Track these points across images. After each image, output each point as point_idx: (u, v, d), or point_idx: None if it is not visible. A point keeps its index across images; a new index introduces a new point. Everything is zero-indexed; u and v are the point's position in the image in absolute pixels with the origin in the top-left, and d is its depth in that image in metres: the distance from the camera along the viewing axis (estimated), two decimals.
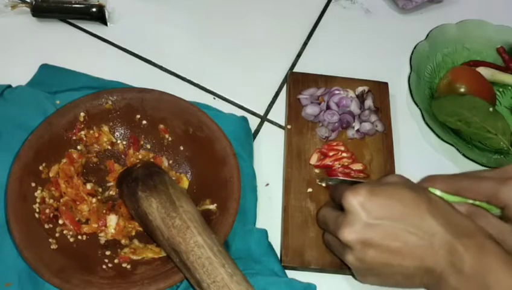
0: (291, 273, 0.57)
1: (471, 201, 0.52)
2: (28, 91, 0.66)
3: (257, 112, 0.70)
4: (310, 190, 0.62)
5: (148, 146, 0.64)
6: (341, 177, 0.62)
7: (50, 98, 0.65)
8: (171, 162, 0.63)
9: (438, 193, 0.53)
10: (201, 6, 0.80)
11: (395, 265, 0.48)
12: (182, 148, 0.63)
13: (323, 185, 0.62)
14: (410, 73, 0.71)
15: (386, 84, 0.72)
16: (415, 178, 0.65)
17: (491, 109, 0.67)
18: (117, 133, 0.63)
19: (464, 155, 0.65)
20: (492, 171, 0.53)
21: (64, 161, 0.60)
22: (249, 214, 0.60)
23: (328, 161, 0.64)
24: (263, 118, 0.70)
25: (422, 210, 0.47)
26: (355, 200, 0.48)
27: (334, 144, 0.66)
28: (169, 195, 0.53)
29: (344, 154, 0.64)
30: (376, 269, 0.49)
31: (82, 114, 0.61)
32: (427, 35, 0.75)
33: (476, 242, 0.46)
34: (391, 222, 0.47)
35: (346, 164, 0.64)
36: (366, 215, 0.47)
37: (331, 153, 0.64)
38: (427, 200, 0.48)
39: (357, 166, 0.64)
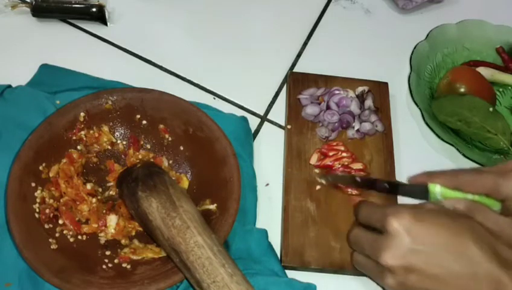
0: (291, 273, 0.57)
1: (471, 196, 0.52)
2: (28, 91, 0.66)
3: (257, 112, 0.70)
4: (318, 187, 0.62)
5: (148, 146, 0.64)
6: (340, 173, 0.61)
7: (50, 98, 0.65)
8: (171, 162, 0.63)
9: (438, 188, 0.52)
10: (201, 6, 0.80)
11: None
12: (182, 148, 0.63)
13: (324, 182, 0.62)
14: (410, 73, 0.71)
15: (386, 84, 0.72)
16: None
17: (491, 109, 0.67)
18: (117, 133, 0.63)
19: (463, 155, 0.65)
20: (492, 167, 0.53)
21: (64, 161, 0.60)
22: (249, 214, 0.60)
23: (328, 161, 0.64)
24: (263, 118, 0.70)
25: (466, 238, 0.46)
26: (398, 223, 0.47)
27: (334, 144, 0.66)
28: (169, 195, 0.53)
29: (344, 154, 0.64)
30: None
31: (82, 114, 0.61)
32: (427, 35, 0.75)
33: None
34: (435, 249, 0.46)
35: (346, 163, 0.64)
36: (410, 241, 0.46)
37: (331, 153, 0.64)
38: (471, 229, 0.47)
39: (357, 165, 0.64)
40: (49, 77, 0.68)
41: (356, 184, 0.60)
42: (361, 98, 0.69)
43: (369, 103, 0.69)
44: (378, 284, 0.53)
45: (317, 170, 0.64)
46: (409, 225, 0.47)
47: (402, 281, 0.48)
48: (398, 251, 0.47)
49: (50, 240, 0.55)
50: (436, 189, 0.52)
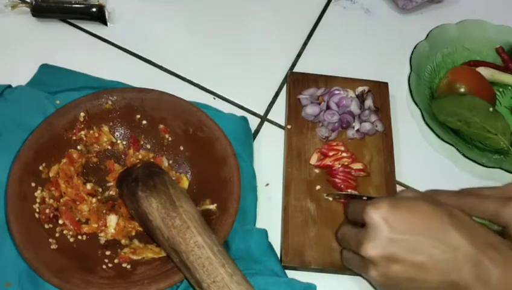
0: (291, 273, 0.57)
1: (474, 218, 0.52)
2: (28, 91, 0.66)
3: (257, 112, 0.70)
4: (318, 187, 0.62)
5: (148, 146, 0.64)
6: (349, 192, 0.61)
7: (50, 98, 0.65)
8: (171, 162, 0.63)
9: None
10: (201, 6, 0.80)
11: (419, 280, 0.47)
12: (182, 148, 0.63)
13: (330, 199, 0.62)
14: (410, 73, 0.71)
15: (386, 84, 0.72)
16: (415, 178, 0.65)
17: (491, 109, 0.67)
18: (117, 133, 0.63)
19: (463, 155, 0.65)
20: (494, 190, 0.53)
21: (64, 161, 0.60)
22: (249, 214, 0.60)
23: (328, 161, 0.64)
24: (263, 118, 0.70)
25: (444, 223, 0.46)
26: (377, 214, 0.47)
27: (334, 144, 0.66)
28: (169, 195, 0.53)
29: (344, 154, 0.64)
30: (400, 284, 0.48)
31: (82, 114, 0.61)
32: (427, 35, 0.75)
33: (501, 254, 0.45)
34: (414, 236, 0.47)
35: (346, 163, 0.64)
36: (389, 230, 0.47)
37: (331, 153, 0.64)
38: (448, 213, 0.47)
39: (357, 165, 0.64)
40: (49, 77, 0.69)
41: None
42: (361, 98, 0.69)
43: (369, 103, 0.69)
44: (364, 278, 0.53)
45: (317, 170, 0.64)
46: (387, 215, 0.47)
47: (384, 272, 0.48)
48: (378, 241, 0.47)
49: (50, 240, 0.55)
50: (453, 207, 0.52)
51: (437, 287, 0.47)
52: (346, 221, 0.56)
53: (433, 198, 0.51)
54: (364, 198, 0.57)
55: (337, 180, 0.63)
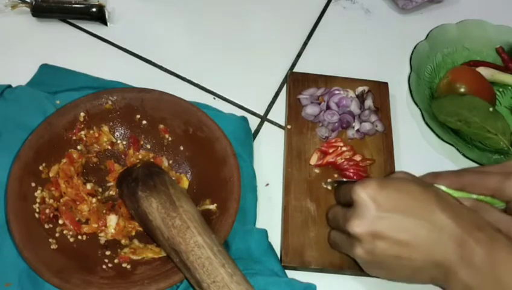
0: (291, 273, 0.57)
1: (475, 196, 0.52)
2: (28, 91, 0.66)
3: (257, 112, 0.70)
4: (329, 179, 0.63)
5: (148, 146, 0.64)
6: (346, 179, 0.62)
7: (50, 98, 0.65)
8: (171, 162, 0.63)
9: (443, 189, 0.53)
10: (201, 6, 0.80)
11: (404, 258, 0.48)
12: (182, 148, 0.63)
13: (329, 188, 0.62)
14: (410, 73, 0.71)
15: (386, 84, 0.72)
16: None
17: (491, 109, 0.67)
18: (117, 133, 0.63)
19: (464, 155, 0.65)
20: (495, 166, 0.53)
21: (64, 161, 0.60)
22: (249, 214, 0.60)
23: (329, 158, 0.64)
24: (263, 118, 0.70)
25: (431, 204, 0.47)
26: (364, 192, 0.48)
27: (333, 140, 0.66)
28: (169, 195, 0.53)
29: (344, 148, 0.64)
30: (385, 261, 0.49)
31: (82, 114, 0.61)
32: (427, 35, 0.75)
33: (486, 235, 0.46)
34: (400, 215, 0.47)
35: (348, 157, 0.64)
36: (375, 208, 0.47)
37: (331, 150, 0.64)
38: (435, 194, 0.48)
39: (359, 157, 0.64)
40: (49, 77, 0.69)
41: None
42: (361, 98, 0.69)
43: (369, 103, 0.69)
44: (349, 256, 0.53)
45: (317, 170, 0.64)
46: (374, 193, 0.48)
47: (370, 249, 0.48)
48: (364, 218, 0.48)
49: (50, 240, 0.55)
50: (442, 190, 0.52)
51: (421, 266, 0.48)
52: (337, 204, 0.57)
53: (423, 181, 0.52)
54: None
55: (348, 173, 0.63)
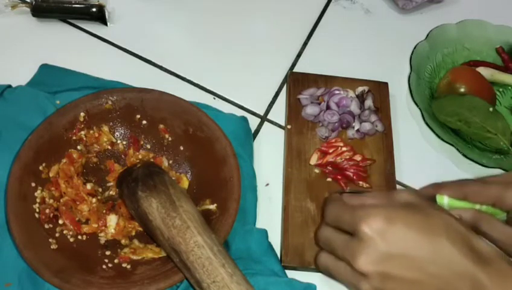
0: (291, 273, 0.57)
1: (478, 206, 0.52)
2: (28, 91, 0.66)
3: (257, 112, 0.70)
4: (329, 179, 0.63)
5: (148, 146, 0.64)
6: (349, 189, 0.61)
7: (50, 98, 0.65)
8: (171, 162, 0.63)
9: (445, 199, 0.52)
10: (201, 7, 0.80)
11: None
12: (182, 148, 0.63)
13: None
14: (410, 73, 0.71)
15: (386, 84, 0.72)
16: (415, 178, 0.65)
17: (491, 109, 0.67)
18: (117, 133, 0.63)
19: (463, 155, 0.65)
20: (497, 176, 0.53)
21: (64, 161, 0.60)
22: (249, 214, 0.60)
23: (329, 158, 0.64)
24: (263, 118, 0.70)
25: (441, 237, 0.45)
26: (371, 229, 0.45)
27: (333, 140, 0.66)
28: (169, 195, 0.53)
29: (344, 149, 0.65)
30: None
31: (82, 114, 0.61)
32: (427, 35, 0.75)
33: (497, 269, 0.45)
34: (411, 252, 0.45)
35: (348, 157, 0.64)
36: (384, 245, 0.45)
37: (331, 150, 0.65)
38: (445, 226, 0.46)
39: (359, 157, 0.65)
40: (49, 77, 0.69)
41: None
42: (361, 98, 0.69)
43: (369, 103, 0.69)
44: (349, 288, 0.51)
45: (317, 170, 0.64)
46: (382, 229, 0.45)
47: (378, 288, 0.46)
48: (373, 256, 0.45)
49: (50, 240, 0.55)
50: (444, 200, 0.52)
51: None
52: (325, 223, 0.52)
53: (428, 203, 0.50)
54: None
55: (347, 173, 0.63)
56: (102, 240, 0.57)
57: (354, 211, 0.47)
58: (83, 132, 0.61)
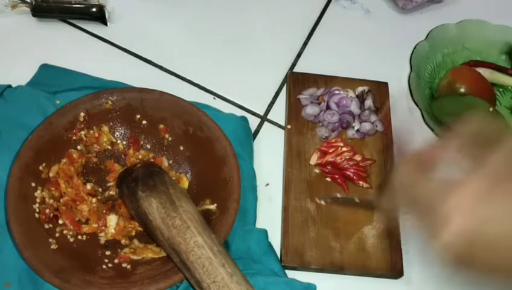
0: (291, 273, 0.57)
1: None
2: (28, 91, 0.66)
3: (257, 112, 0.70)
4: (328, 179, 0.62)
5: (148, 146, 0.64)
6: (339, 195, 0.61)
7: (50, 98, 0.65)
8: (171, 162, 0.63)
9: None
10: (201, 6, 0.80)
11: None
12: (182, 148, 0.63)
13: (323, 203, 0.62)
14: (410, 73, 0.71)
15: (386, 84, 0.72)
16: None
17: (491, 109, 0.67)
18: (117, 133, 0.63)
19: None
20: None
21: (64, 161, 0.60)
22: (249, 214, 0.60)
23: (329, 158, 0.64)
24: (263, 118, 0.70)
25: None
26: (460, 210, 0.38)
27: (333, 140, 0.66)
28: (169, 195, 0.53)
29: (344, 149, 0.65)
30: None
31: (82, 114, 0.61)
32: (427, 35, 0.75)
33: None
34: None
35: (348, 157, 0.64)
36: (475, 221, 0.37)
37: (331, 150, 0.65)
38: None
39: (359, 157, 0.65)
40: (49, 77, 0.69)
41: (355, 205, 0.60)
42: (361, 98, 0.69)
43: (369, 103, 0.69)
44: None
45: (317, 170, 0.64)
46: (473, 207, 0.38)
47: (463, 249, 0.38)
48: (461, 227, 0.38)
49: (50, 240, 0.55)
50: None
51: None
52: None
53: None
54: (357, 201, 0.58)
55: (348, 173, 0.63)
56: (102, 240, 0.57)
57: (440, 187, 0.40)
58: (83, 132, 0.61)
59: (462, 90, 0.69)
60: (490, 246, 0.38)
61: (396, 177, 0.44)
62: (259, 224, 0.61)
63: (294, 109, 0.68)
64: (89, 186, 0.60)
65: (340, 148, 0.65)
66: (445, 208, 0.38)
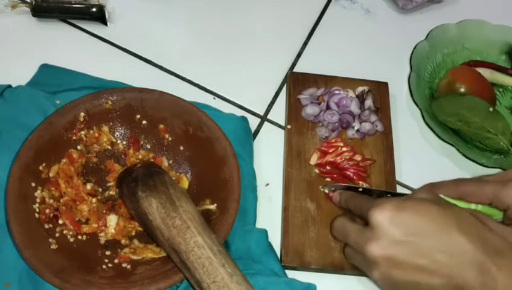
0: (291, 273, 0.57)
1: (474, 206, 0.52)
2: (28, 91, 0.66)
3: (257, 112, 0.70)
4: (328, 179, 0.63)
5: (148, 146, 0.64)
6: (343, 184, 0.61)
7: (50, 98, 0.65)
8: (171, 162, 0.63)
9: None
10: (201, 7, 0.80)
11: (422, 283, 0.46)
12: (182, 148, 0.63)
13: (326, 191, 0.62)
14: (410, 73, 0.71)
15: (386, 84, 0.72)
16: (415, 178, 0.65)
17: (491, 109, 0.67)
18: (117, 133, 0.63)
19: (463, 155, 0.65)
20: (494, 175, 0.53)
21: (64, 161, 0.60)
22: (249, 214, 0.60)
23: (329, 158, 0.64)
24: (263, 118, 0.70)
25: (451, 227, 0.46)
26: (382, 216, 0.47)
27: (333, 140, 0.66)
28: (169, 195, 0.53)
29: (344, 149, 0.65)
30: (402, 286, 0.48)
31: (82, 114, 0.61)
32: (427, 35, 0.75)
33: (509, 261, 0.44)
34: (419, 239, 0.46)
35: (348, 157, 0.64)
36: (393, 232, 0.46)
37: (331, 150, 0.65)
38: (456, 217, 0.47)
39: (359, 157, 0.65)
40: (49, 77, 0.69)
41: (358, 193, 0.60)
42: (361, 98, 0.69)
43: (369, 103, 0.69)
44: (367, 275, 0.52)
45: (317, 170, 0.64)
46: (392, 216, 0.47)
47: (387, 274, 0.47)
48: (381, 243, 0.47)
49: (50, 240, 0.55)
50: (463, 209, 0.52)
51: None
52: (344, 213, 0.56)
53: (443, 199, 0.51)
54: (360, 189, 0.58)
55: (348, 173, 0.63)
56: (102, 240, 0.57)
57: (368, 201, 0.49)
58: (83, 132, 0.61)
59: (462, 90, 0.69)
60: (401, 288, 0.48)
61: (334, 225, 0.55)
62: (259, 224, 0.61)
63: (294, 109, 0.68)
64: (89, 186, 0.60)
65: (340, 148, 0.65)
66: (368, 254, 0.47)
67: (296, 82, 0.71)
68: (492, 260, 0.44)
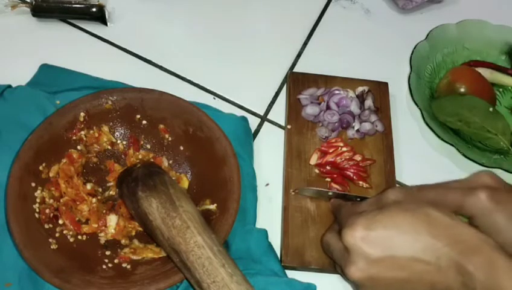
0: (291, 273, 0.57)
1: None
2: (28, 91, 0.66)
3: (257, 112, 0.70)
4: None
5: (148, 146, 0.64)
6: (318, 189, 0.61)
7: (50, 98, 0.65)
8: (171, 162, 0.63)
9: None
10: (201, 7, 0.80)
11: None
12: (182, 148, 0.63)
13: (300, 195, 0.62)
14: (410, 73, 0.71)
15: (386, 84, 0.72)
16: (415, 178, 0.65)
17: (491, 109, 0.67)
18: (117, 133, 0.63)
19: (463, 155, 0.65)
20: (458, 182, 0.52)
21: (64, 161, 0.60)
22: (249, 214, 0.60)
23: (329, 158, 0.64)
24: (263, 118, 0.70)
25: (423, 234, 0.46)
26: (353, 238, 0.47)
27: (333, 140, 0.66)
28: (169, 195, 0.53)
29: (344, 149, 0.65)
30: None
31: (82, 114, 0.61)
32: (427, 35, 0.75)
33: (484, 258, 0.44)
34: (394, 253, 0.46)
35: (348, 157, 0.64)
36: (368, 251, 0.46)
37: (331, 150, 0.65)
38: (425, 221, 0.46)
39: (359, 157, 0.65)
40: (49, 77, 0.69)
41: (328, 198, 0.61)
42: (361, 98, 0.69)
43: (369, 103, 0.69)
44: None
45: (316, 170, 0.64)
46: (363, 236, 0.47)
47: None
48: (358, 264, 0.47)
49: (50, 240, 0.55)
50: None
51: None
52: (332, 227, 0.56)
53: (413, 201, 0.50)
54: (330, 193, 0.59)
55: (348, 173, 0.63)
56: (102, 240, 0.57)
57: (347, 216, 0.49)
58: (83, 132, 0.61)
59: (462, 90, 0.69)
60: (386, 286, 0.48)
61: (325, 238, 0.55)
62: (259, 224, 0.61)
63: (294, 109, 0.68)
64: (89, 186, 0.60)
65: (340, 148, 0.65)
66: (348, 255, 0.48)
67: (296, 82, 0.71)
68: (468, 259, 0.44)
